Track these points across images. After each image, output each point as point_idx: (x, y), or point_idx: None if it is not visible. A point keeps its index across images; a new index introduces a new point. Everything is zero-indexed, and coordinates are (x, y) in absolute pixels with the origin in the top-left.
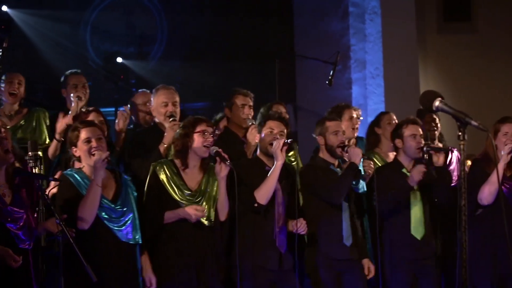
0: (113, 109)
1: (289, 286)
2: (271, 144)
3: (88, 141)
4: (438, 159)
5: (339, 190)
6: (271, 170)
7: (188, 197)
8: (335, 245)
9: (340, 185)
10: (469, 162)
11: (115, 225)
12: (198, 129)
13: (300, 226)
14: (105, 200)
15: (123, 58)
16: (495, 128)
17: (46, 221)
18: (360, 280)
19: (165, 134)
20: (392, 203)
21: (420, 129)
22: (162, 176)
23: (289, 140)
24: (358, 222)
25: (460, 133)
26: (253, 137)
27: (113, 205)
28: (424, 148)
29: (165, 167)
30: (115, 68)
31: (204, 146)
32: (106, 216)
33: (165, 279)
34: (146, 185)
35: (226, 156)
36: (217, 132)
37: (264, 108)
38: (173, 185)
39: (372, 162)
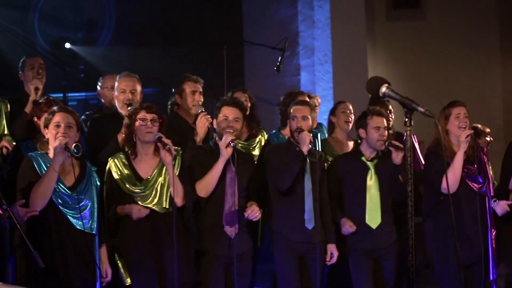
0: (61, 95)
1: (242, 271)
2: (224, 133)
3: (57, 125)
4: (397, 157)
5: (283, 177)
6: (215, 164)
7: (138, 188)
8: (296, 228)
9: (284, 172)
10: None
11: (70, 211)
12: (138, 116)
13: (251, 213)
14: (61, 186)
15: (71, 44)
16: (446, 113)
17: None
18: (319, 264)
19: (124, 121)
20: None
21: (384, 121)
22: (113, 171)
23: (233, 143)
24: (327, 206)
25: (406, 119)
26: (202, 125)
27: (69, 192)
28: (386, 144)
29: (116, 161)
30: (63, 54)
31: (146, 132)
32: (61, 202)
33: (125, 264)
34: (105, 178)
35: (167, 141)
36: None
37: (228, 95)
38: (123, 179)
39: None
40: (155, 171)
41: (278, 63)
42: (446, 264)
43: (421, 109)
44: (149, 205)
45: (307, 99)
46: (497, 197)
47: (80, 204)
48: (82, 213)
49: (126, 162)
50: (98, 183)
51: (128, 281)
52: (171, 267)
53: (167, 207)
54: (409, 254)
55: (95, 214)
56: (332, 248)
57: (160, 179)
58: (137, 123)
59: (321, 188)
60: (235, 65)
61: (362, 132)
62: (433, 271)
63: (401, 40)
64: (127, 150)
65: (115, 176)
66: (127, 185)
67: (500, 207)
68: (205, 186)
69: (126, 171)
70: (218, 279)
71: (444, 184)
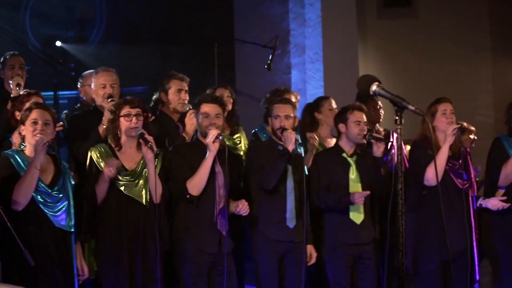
0: (52, 93)
1: (228, 269)
2: (208, 129)
3: (35, 122)
4: (378, 149)
5: (269, 176)
6: (203, 161)
7: (125, 177)
8: (277, 227)
9: (270, 171)
10: (408, 147)
11: (50, 210)
12: (123, 112)
13: (241, 208)
14: (42, 184)
15: (62, 42)
16: (432, 109)
17: None
18: (300, 263)
19: (104, 114)
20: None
21: (364, 116)
22: (96, 160)
23: (221, 137)
24: (306, 206)
25: (397, 118)
26: (192, 122)
27: (49, 190)
28: (367, 136)
29: (99, 149)
30: (54, 52)
31: (130, 128)
32: (41, 200)
33: (101, 258)
34: (86, 169)
35: (149, 138)
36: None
37: (209, 91)
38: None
39: (316, 137)
40: (140, 164)
41: (269, 61)
42: (427, 259)
43: (412, 107)
44: (133, 196)
45: (293, 97)
46: (484, 195)
47: (59, 202)
48: (61, 211)
49: (110, 152)
50: (73, 182)
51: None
52: (143, 262)
53: (149, 200)
54: (400, 252)
55: (72, 211)
56: (311, 249)
57: (145, 173)
58: (121, 119)
59: (300, 188)
60: (226, 63)
61: (342, 126)
62: (413, 266)
63: (392, 39)
64: (110, 142)
65: (100, 164)
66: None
67: (491, 203)
68: (197, 184)
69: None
70: (201, 281)
71: (427, 176)
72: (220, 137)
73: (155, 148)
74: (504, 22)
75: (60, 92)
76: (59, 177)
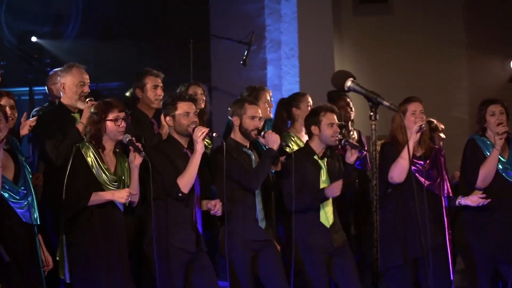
0: (27, 88)
1: (205, 267)
2: (191, 128)
3: None
4: (352, 156)
5: (258, 177)
6: (192, 158)
7: (112, 181)
8: (251, 226)
9: (259, 171)
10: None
11: (18, 206)
12: (110, 116)
13: (218, 208)
14: (7, 181)
15: (37, 38)
16: (402, 109)
17: None
18: (276, 258)
19: (84, 112)
20: (302, 205)
21: (336, 117)
22: (89, 158)
23: (214, 134)
24: (273, 205)
25: (371, 113)
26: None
27: (16, 186)
28: (342, 142)
29: (91, 148)
30: (29, 48)
31: (119, 132)
32: (9, 197)
33: (78, 259)
34: (70, 165)
35: (139, 145)
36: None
37: (181, 88)
38: (99, 168)
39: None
40: (119, 168)
41: (244, 57)
42: (393, 256)
43: (386, 103)
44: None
45: (268, 95)
46: (462, 194)
47: (25, 198)
48: (27, 206)
49: (97, 153)
50: (30, 175)
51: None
52: (121, 266)
53: (126, 205)
54: (374, 247)
55: (35, 204)
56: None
57: (125, 178)
58: (108, 122)
59: (269, 187)
60: (202, 59)
61: (315, 129)
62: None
63: (368, 34)
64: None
65: (93, 164)
66: (104, 177)
67: (471, 200)
68: (189, 181)
69: (101, 162)
70: (180, 279)
71: (391, 174)
72: (215, 134)
73: (143, 155)
74: (479, 18)
75: (36, 88)
76: (20, 172)
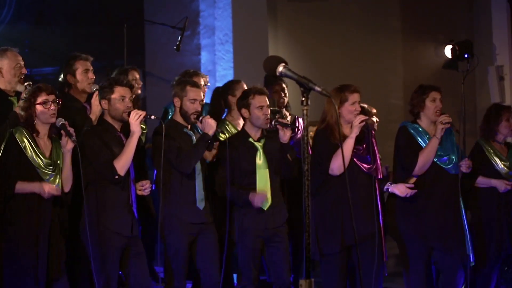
0: None
1: (139, 253)
2: (126, 113)
3: None
4: (284, 135)
5: (190, 161)
6: (128, 140)
7: (46, 165)
8: (189, 208)
9: (192, 155)
10: (312, 130)
11: None
12: (39, 100)
13: (147, 186)
14: None
15: None
16: (342, 96)
17: None
18: (212, 242)
19: (22, 96)
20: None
21: (267, 99)
22: (24, 143)
23: (152, 116)
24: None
25: (303, 99)
26: (98, 103)
27: None
28: (273, 122)
29: (24, 132)
30: None
31: (50, 115)
32: None
33: (10, 246)
34: (2, 150)
35: (71, 130)
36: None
37: (117, 73)
38: (33, 152)
39: None
40: (54, 152)
41: (178, 43)
42: (330, 243)
43: (318, 89)
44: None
45: (202, 79)
46: (393, 181)
47: None
48: None
49: (31, 138)
50: None
51: None
52: (51, 252)
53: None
54: (305, 232)
55: None
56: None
57: (60, 162)
58: (38, 106)
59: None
60: (136, 44)
61: (245, 112)
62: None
63: (303, 21)
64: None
65: (27, 147)
66: (39, 161)
67: (399, 189)
68: (126, 164)
69: (35, 147)
70: (115, 263)
71: (332, 166)
72: (153, 116)
73: (73, 139)
74: (414, 5)
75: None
76: None
